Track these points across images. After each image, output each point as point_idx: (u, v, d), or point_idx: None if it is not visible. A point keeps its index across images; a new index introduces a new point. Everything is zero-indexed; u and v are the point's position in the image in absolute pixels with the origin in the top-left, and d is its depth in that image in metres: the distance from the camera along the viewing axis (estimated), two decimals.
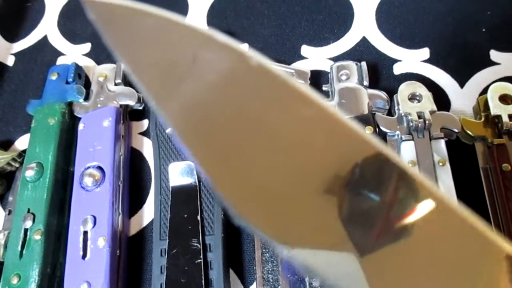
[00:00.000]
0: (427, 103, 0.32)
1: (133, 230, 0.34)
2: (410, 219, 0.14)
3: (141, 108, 0.38)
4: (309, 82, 0.35)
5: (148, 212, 0.34)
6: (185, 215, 0.31)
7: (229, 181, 0.16)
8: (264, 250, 0.30)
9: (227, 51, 0.15)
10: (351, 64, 0.35)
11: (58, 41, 0.44)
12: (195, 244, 0.30)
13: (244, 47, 0.40)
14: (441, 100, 0.35)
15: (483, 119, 0.31)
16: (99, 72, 0.38)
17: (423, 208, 0.13)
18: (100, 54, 0.42)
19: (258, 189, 0.15)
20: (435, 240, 0.14)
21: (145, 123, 0.38)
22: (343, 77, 0.35)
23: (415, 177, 0.14)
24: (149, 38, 0.16)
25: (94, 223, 0.31)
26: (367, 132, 0.31)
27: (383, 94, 0.34)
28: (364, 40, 0.39)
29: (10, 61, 0.44)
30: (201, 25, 0.42)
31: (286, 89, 0.15)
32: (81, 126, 0.35)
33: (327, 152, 0.15)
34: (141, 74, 0.16)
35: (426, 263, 0.14)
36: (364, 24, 0.40)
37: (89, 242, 0.30)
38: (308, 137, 0.15)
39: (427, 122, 0.30)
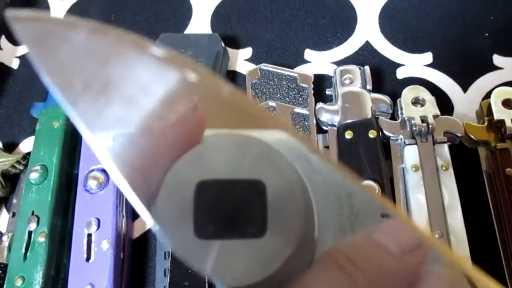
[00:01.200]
0: (430, 107, 0.32)
1: (137, 232, 0.34)
2: None
3: None
4: (312, 86, 0.36)
5: None
6: None
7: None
8: None
9: (165, 64, 0.14)
10: (355, 68, 0.35)
11: None
12: None
13: (248, 51, 0.41)
14: (444, 104, 0.35)
15: (486, 123, 0.32)
16: None
17: None
18: None
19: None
20: None
21: None
22: (347, 81, 0.35)
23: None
24: (79, 55, 0.14)
25: (98, 226, 0.31)
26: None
27: (386, 98, 0.34)
28: (367, 45, 0.39)
29: (15, 64, 0.44)
30: (205, 29, 0.43)
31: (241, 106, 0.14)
32: None
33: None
34: (72, 98, 0.14)
35: None
36: (368, 29, 0.40)
37: (93, 245, 0.30)
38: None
39: (430, 126, 0.31)
